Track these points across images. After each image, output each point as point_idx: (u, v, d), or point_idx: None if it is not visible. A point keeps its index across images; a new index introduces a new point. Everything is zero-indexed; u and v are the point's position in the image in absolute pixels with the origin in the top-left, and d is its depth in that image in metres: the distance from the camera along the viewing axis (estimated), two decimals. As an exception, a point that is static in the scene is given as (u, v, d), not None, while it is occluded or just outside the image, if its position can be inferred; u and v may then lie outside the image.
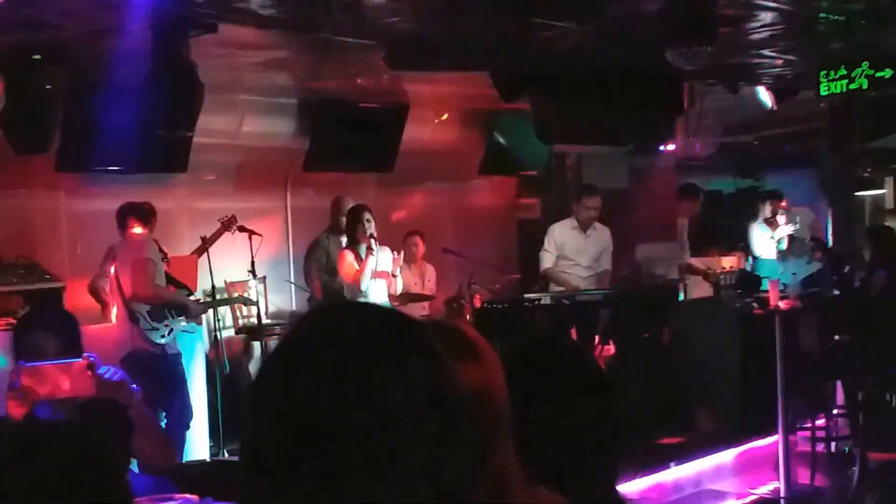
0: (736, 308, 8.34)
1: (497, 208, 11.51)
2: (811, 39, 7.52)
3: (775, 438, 7.32)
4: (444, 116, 10.17)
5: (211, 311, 8.38)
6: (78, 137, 7.56)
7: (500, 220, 11.42)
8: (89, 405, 3.23)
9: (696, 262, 9.96)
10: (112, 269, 7.42)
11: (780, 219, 10.19)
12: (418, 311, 9.22)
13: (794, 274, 8.71)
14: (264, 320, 8.75)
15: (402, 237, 9.54)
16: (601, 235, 8.95)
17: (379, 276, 7.94)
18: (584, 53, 7.61)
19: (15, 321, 5.80)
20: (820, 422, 7.82)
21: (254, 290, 8.76)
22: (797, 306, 7.73)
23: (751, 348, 8.11)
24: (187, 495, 3.17)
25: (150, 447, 3.37)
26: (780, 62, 8.46)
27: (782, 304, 7.64)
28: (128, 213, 7.38)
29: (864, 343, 7.36)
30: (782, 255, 10.08)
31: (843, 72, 7.74)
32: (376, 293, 8.01)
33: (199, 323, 7.84)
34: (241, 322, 9.25)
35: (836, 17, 6.83)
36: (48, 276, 7.76)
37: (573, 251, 8.86)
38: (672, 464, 7.25)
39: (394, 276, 8.08)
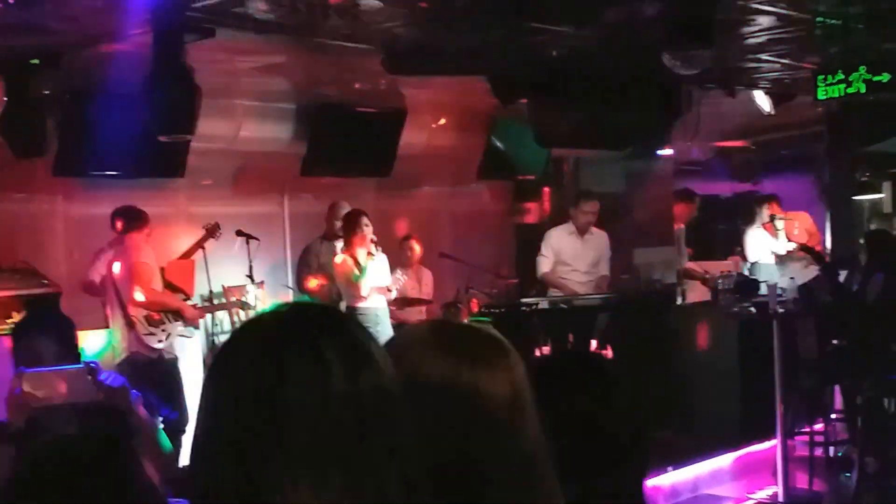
0: (734, 312, 8.34)
1: (494, 213, 11.51)
2: (809, 44, 7.52)
3: (774, 443, 7.32)
4: (442, 121, 10.17)
5: (208, 315, 8.36)
6: (75, 142, 7.56)
7: (498, 225, 11.41)
8: (89, 411, 3.22)
9: (694, 266, 9.97)
10: (102, 271, 7.43)
11: (778, 223, 10.19)
12: (415, 315, 9.23)
13: (792, 278, 8.70)
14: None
15: (400, 242, 9.54)
16: (599, 240, 8.95)
17: (378, 292, 7.99)
18: (581, 58, 7.61)
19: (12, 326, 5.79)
20: (818, 426, 7.81)
21: (251, 295, 8.74)
22: (795, 311, 7.73)
23: (749, 353, 8.11)
24: (181, 500, 3.16)
25: (149, 453, 3.36)
26: (777, 66, 8.46)
27: (780, 309, 7.63)
28: (123, 217, 7.37)
29: (862, 348, 7.35)
30: (780, 260, 10.08)
31: (841, 76, 7.74)
32: (375, 299, 8.01)
33: (197, 327, 7.83)
34: (238, 326, 9.23)
35: (833, 22, 6.84)
36: (45, 282, 7.74)
37: (571, 257, 8.86)
38: (669, 468, 7.24)
39: (389, 290, 8.09)
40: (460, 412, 1.46)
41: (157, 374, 7.03)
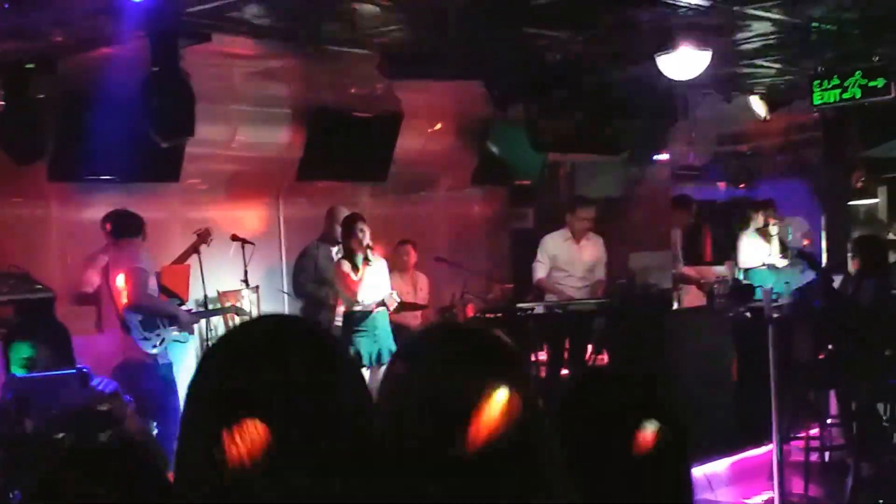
0: (729, 317, 8.34)
1: (490, 218, 11.50)
2: (804, 49, 7.53)
3: (769, 448, 7.31)
4: (438, 126, 10.17)
5: (203, 320, 8.35)
6: (71, 146, 7.55)
7: (494, 230, 11.41)
8: (82, 417, 3.21)
9: (690, 271, 9.97)
10: (95, 280, 7.41)
11: (772, 229, 10.20)
12: (410, 320, 9.22)
13: (787, 283, 8.70)
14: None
15: (396, 246, 9.54)
16: (595, 246, 8.95)
17: (379, 306, 7.97)
18: (577, 63, 7.62)
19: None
20: (814, 431, 7.81)
21: (247, 300, 8.73)
22: (790, 316, 7.73)
23: (744, 358, 8.11)
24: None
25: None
26: (773, 72, 8.48)
27: (775, 314, 7.63)
28: (118, 222, 7.34)
29: (857, 353, 7.35)
30: (774, 265, 10.08)
31: (837, 81, 7.75)
32: (369, 302, 8.00)
33: (191, 333, 7.81)
34: (233, 332, 9.21)
35: (828, 27, 6.85)
36: (39, 287, 7.71)
37: (567, 262, 8.86)
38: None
39: (391, 301, 8.09)
40: (464, 413, 1.46)
41: (151, 380, 7.01)
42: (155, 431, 6.79)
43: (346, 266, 7.94)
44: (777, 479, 7.12)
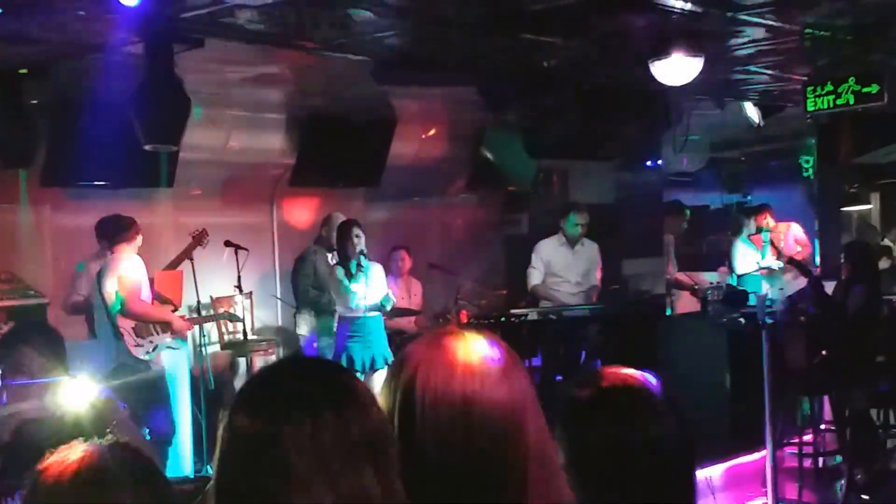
0: (723, 323, 8.35)
1: (484, 223, 11.50)
2: (798, 55, 7.54)
3: (763, 453, 7.31)
4: (432, 132, 10.17)
5: (196, 326, 8.33)
6: (63, 152, 7.53)
7: (487, 236, 11.41)
8: (75, 423, 3.19)
9: (683, 277, 9.98)
10: (84, 289, 7.40)
11: (765, 235, 10.21)
12: (406, 324, 9.22)
13: (781, 289, 8.72)
14: (250, 336, 8.72)
15: (389, 252, 9.54)
16: (589, 251, 8.95)
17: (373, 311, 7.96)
18: (571, 69, 7.62)
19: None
20: (807, 437, 7.81)
21: (240, 306, 8.72)
22: (783, 322, 7.74)
23: (738, 363, 8.11)
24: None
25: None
26: (766, 78, 8.49)
27: (769, 320, 7.64)
28: (110, 229, 7.32)
29: (848, 359, 7.36)
30: (768, 271, 10.09)
31: (830, 87, 7.75)
32: (364, 308, 7.99)
33: (184, 339, 7.79)
34: (226, 338, 9.21)
35: (822, 33, 6.85)
36: (32, 292, 7.70)
37: (561, 268, 8.86)
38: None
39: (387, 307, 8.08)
40: (464, 421, 1.58)
41: (143, 386, 6.99)
42: (147, 438, 6.79)
43: (340, 272, 7.93)
44: (771, 485, 7.12)
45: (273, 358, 8.80)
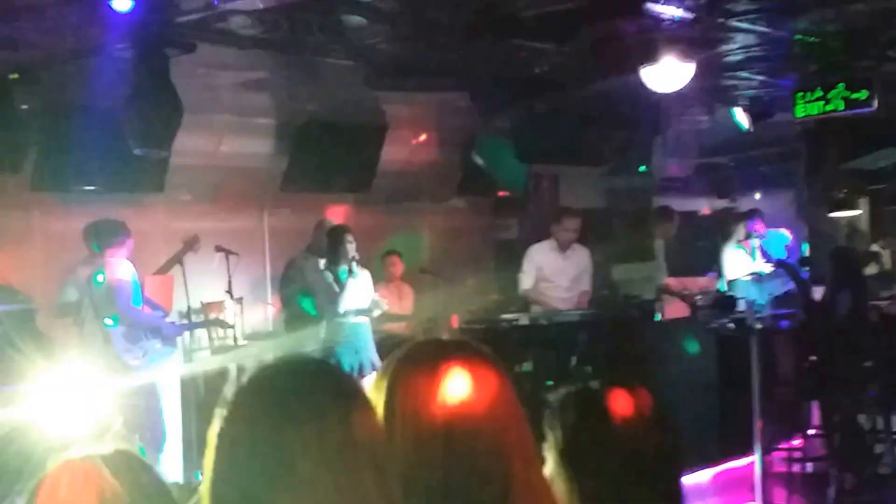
0: (713, 328, 8.36)
1: (474, 229, 11.51)
2: (787, 61, 7.57)
3: (752, 459, 7.33)
4: (423, 137, 10.18)
5: (186, 332, 8.31)
6: (54, 157, 7.52)
7: (478, 241, 11.42)
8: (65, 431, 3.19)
9: (673, 282, 9.99)
10: (73, 296, 7.38)
11: (755, 241, 10.23)
12: (395, 330, 9.20)
13: (770, 294, 8.73)
14: (240, 341, 8.70)
15: (381, 257, 9.53)
16: (580, 256, 8.95)
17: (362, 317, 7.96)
18: (562, 75, 7.64)
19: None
20: (796, 442, 7.83)
21: (230, 311, 8.70)
22: (772, 327, 7.76)
23: (727, 368, 8.12)
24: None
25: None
26: (756, 84, 8.51)
27: (758, 325, 7.66)
28: (101, 234, 7.29)
29: (837, 364, 7.38)
30: (758, 277, 10.11)
31: (820, 93, 7.78)
32: (353, 314, 7.98)
33: (174, 346, 7.77)
34: (216, 343, 9.19)
35: (811, 40, 6.88)
36: (21, 297, 7.67)
37: (552, 272, 8.86)
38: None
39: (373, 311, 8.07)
40: (444, 444, 1.58)
41: (134, 392, 6.97)
42: (138, 444, 6.77)
43: (329, 277, 7.93)
44: (760, 490, 7.14)
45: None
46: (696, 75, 6.94)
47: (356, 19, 5.85)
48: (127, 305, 7.04)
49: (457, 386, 1.61)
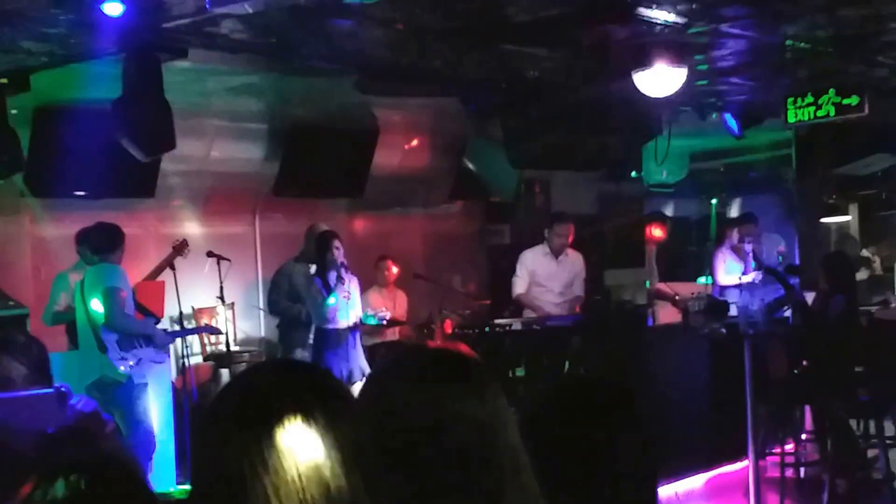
0: (704, 333, 8.36)
1: (467, 234, 11.51)
2: (779, 67, 7.59)
3: (745, 464, 7.33)
4: (415, 142, 10.17)
5: (178, 339, 8.29)
6: (45, 162, 7.49)
7: (470, 246, 11.42)
8: (60, 437, 3.17)
9: (665, 287, 9.99)
10: (63, 302, 7.35)
11: (747, 246, 10.24)
12: (389, 335, 9.20)
13: (762, 300, 8.73)
14: (233, 347, 8.68)
15: (374, 262, 9.52)
16: (573, 262, 8.95)
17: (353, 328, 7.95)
18: (555, 80, 7.64)
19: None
20: (789, 447, 7.83)
21: (222, 317, 8.68)
22: (764, 332, 7.76)
23: (719, 374, 8.13)
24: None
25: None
26: (747, 89, 8.53)
27: (750, 330, 7.66)
28: (96, 240, 7.25)
29: (829, 369, 7.39)
30: (749, 282, 10.12)
31: (811, 99, 7.81)
32: (341, 321, 7.97)
33: (167, 353, 7.74)
34: (208, 349, 9.17)
35: (802, 45, 6.89)
36: (12, 303, 7.65)
37: (545, 277, 8.86)
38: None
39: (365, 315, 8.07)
40: (432, 436, 1.57)
41: (124, 398, 6.94)
42: (129, 451, 6.74)
43: (318, 284, 7.91)
44: (753, 495, 7.14)
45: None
46: (688, 80, 6.95)
47: (348, 24, 5.84)
48: (121, 313, 6.99)
49: (445, 392, 1.60)
